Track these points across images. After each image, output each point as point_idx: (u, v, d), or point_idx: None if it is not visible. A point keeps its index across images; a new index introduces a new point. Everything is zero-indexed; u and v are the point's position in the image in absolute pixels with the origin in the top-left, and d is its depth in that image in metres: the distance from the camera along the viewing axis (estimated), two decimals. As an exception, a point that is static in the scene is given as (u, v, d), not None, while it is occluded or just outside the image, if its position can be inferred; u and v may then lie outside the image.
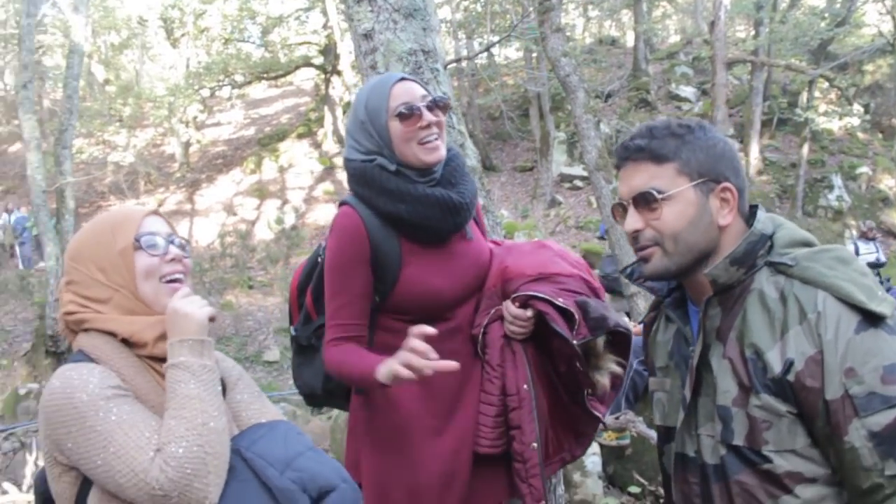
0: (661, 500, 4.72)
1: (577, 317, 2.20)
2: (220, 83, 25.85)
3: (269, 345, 14.60)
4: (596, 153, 8.02)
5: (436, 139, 2.20)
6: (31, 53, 12.00)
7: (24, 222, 20.95)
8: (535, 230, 17.97)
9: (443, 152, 2.23)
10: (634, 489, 4.90)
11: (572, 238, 19.05)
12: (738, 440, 1.63)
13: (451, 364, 1.97)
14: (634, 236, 1.73)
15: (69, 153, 13.90)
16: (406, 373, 1.96)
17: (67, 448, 1.56)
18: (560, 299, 2.22)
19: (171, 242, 1.81)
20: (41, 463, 1.71)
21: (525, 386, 2.26)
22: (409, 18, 2.93)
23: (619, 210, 1.79)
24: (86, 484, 1.61)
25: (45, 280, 13.95)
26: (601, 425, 2.59)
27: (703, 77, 25.39)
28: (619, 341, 2.31)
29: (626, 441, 5.16)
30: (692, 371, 1.73)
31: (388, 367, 2.02)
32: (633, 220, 1.72)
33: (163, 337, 1.71)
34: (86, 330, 1.74)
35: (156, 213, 1.87)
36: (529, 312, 2.25)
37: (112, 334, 1.71)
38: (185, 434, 1.54)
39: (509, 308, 2.27)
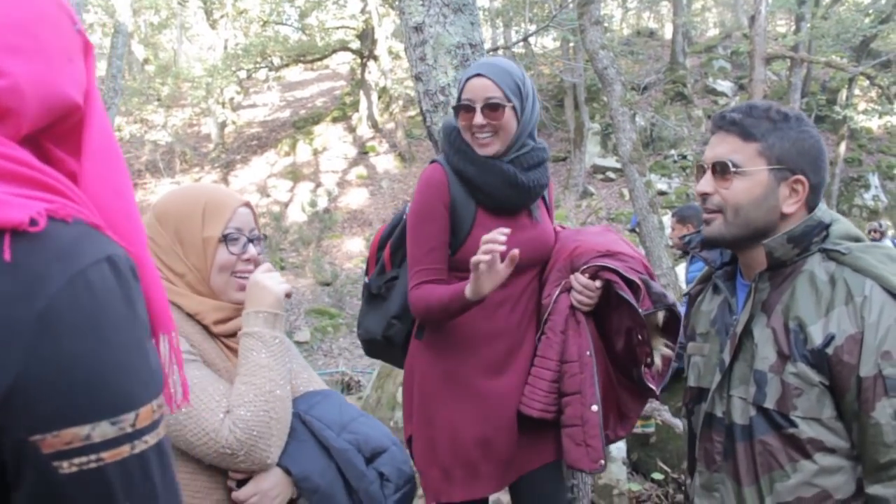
0: (683, 487, 4.81)
1: (642, 289, 2.40)
2: (258, 65, 25.98)
3: (300, 325, 14.79)
4: (630, 146, 8.08)
5: (486, 137, 2.44)
6: (77, 32, 12.19)
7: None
8: (566, 221, 18.00)
9: (493, 150, 2.45)
10: (658, 476, 4.98)
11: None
12: (769, 403, 1.77)
13: (514, 252, 2.20)
14: (703, 198, 1.88)
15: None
16: (484, 257, 2.17)
17: None
18: (626, 272, 2.41)
19: (252, 241, 1.91)
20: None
21: (588, 352, 2.44)
22: (458, 13, 3.06)
23: (700, 171, 1.92)
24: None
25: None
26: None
27: (740, 72, 25.16)
28: (669, 327, 2.49)
29: (651, 429, 5.24)
30: (734, 337, 1.87)
31: (472, 277, 2.26)
32: (706, 183, 1.87)
33: (223, 321, 1.84)
34: None
35: (247, 204, 1.95)
36: (598, 283, 2.44)
37: (178, 307, 1.83)
38: (253, 399, 1.67)
39: (579, 278, 2.47)
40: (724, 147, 1.86)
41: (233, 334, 1.87)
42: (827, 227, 1.82)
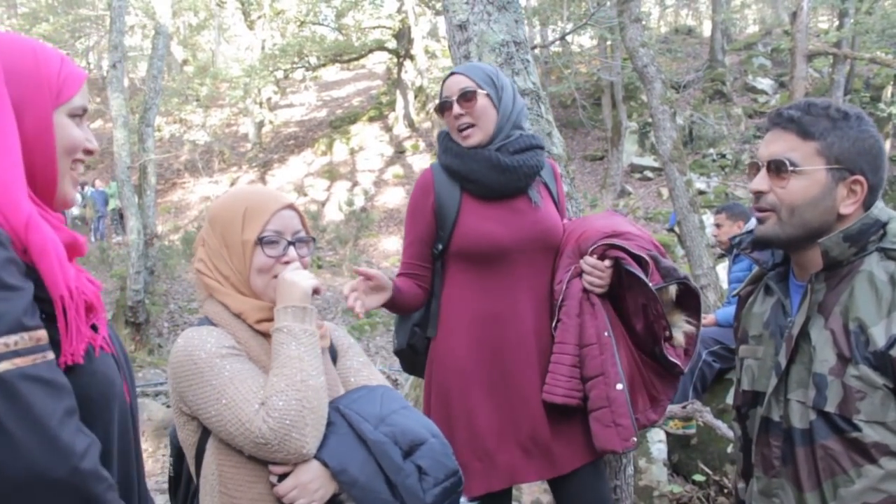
0: (725, 490, 4.75)
1: (650, 264, 2.43)
2: (295, 65, 26.19)
3: (338, 324, 14.87)
4: (671, 144, 8.00)
5: (467, 127, 2.57)
6: (120, 34, 12.43)
7: (102, 197, 21.75)
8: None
9: (475, 139, 2.57)
10: (699, 478, 4.93)
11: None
12: (830, 407, 1.72)
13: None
14: (757, 196, 1.85)
15: (152, 131, 14.37)
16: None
17: (189, 399, 1.74)
18: (634, 249, 2.45)
19: (293, 244, 1.91)
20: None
21: (606, 333, 2.47)
22: (503, 10, 3.05)
23: (754, 168, 1.89)
24: (205, 433, 1.79)
25: (125, 253, 14.50)
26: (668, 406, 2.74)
27: (781, 69, 24.81)
28: (689, 304, 2.53)
29: (693, 430, 5.19)
30: (790, 339, 1.83)
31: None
32: (761, 181, 1.84)
33: (265, 320, 1.86)
34: (211, 296, 1.91)
35: (291, 206, 1.95)
36: (607, 262, 2.48)
37: (225, 306, 1.88)
38: (285, 389, 1.68)
39: (588, 260, 2.51)
40: (781, 145, 1.83)
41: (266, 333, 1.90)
42: (884, 225, 1.78)
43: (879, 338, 1.67)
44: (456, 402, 2.58)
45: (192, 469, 1.86)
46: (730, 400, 5.15)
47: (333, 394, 1.87)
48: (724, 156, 21.60)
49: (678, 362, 2.52)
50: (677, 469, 5.23)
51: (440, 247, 2.64)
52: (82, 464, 1.21)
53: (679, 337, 2.50)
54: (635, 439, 2.42)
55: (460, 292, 2.63)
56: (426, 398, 2.72)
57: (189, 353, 1.76)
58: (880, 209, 1.81)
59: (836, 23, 22.40)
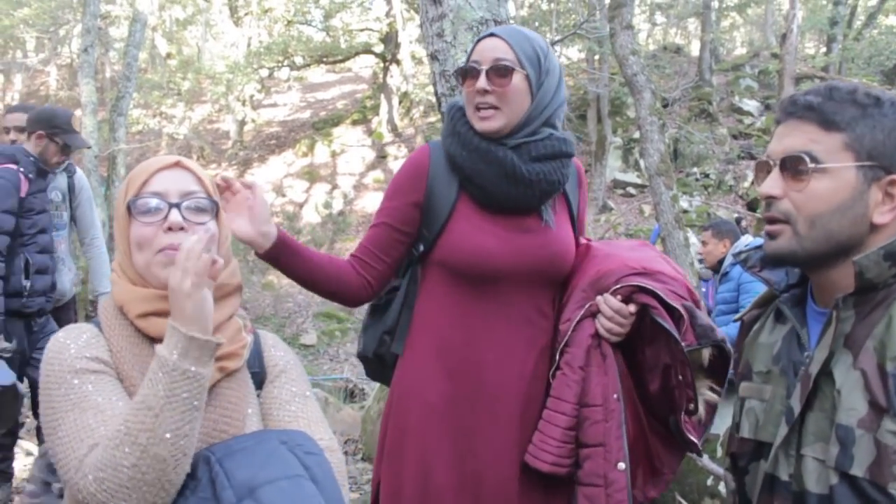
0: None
1: (685, 319, 1.94)
2: (280, 64, 25.92)
3: (308, 328, 14.52)
4: (658, 157, 7.74)
5: (490, 109, 2.04)
6: (94, 18, 12.04)
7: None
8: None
9: (494, 124, 2.05)
10: (676, 511, 4.64)
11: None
12: (858, 470, 1.34)
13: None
14: (768, 203, 1.50)
15: (124, 121, 13.97)
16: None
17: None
18: (668, 296, 1.98)
19: (178, 206, 1.51)
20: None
21: (615, 395, 1.98)
22: (483, -16, 2.71)
23: (763, 169, 1.54)
24: None
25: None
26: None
27: (768, 91, 24.78)
28: (715, 368, 2.05)
29: (671, 459, 4.91)
30: (807, 379, 1.46)
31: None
32: (773, 184, 1.49)
33: (151, 313, 1.48)
34: None
35: (178, 164, 1.57)
36: (633, 308, 2.00)
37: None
38: (118, 446, 1.27)
39: (609, 301, 2.01)
40: (799, 138, 1.46)
41: (158, 339, 1.48)
42: None
43: None
44: (411, 452, 2.11)
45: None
46: (714, 430, 4.87)
47: (235, 431, 1.47)
48: (707, 175, 21.50)
49: (696, 440, 2.03)
50: (654, 500, 4.93)
51: (421, 248, 2.16)
52: None
53: (701, 409, 2.03)
54: None
55: (438, 312, 2.14)
56: (382, 434, 2.25)
57: (48, 361, 1.40)
58: None
59: (824, 48, 22.46)
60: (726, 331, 4.84)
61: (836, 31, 20.68)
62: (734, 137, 23.42)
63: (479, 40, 2.09)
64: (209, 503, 1.33)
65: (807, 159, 1.43)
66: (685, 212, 18.70)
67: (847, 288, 1.45)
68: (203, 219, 1.54)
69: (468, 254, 2.07)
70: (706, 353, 2.01)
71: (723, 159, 22.21)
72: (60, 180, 4.54)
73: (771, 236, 1.52)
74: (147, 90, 25.60)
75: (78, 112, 12.04)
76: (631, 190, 21.85)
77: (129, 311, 1.48)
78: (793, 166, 1.46)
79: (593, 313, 2.05)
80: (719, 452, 4.49)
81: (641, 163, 9.34)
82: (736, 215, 17.62)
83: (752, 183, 20.66)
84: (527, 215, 2.12)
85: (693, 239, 11.03)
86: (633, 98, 8.17)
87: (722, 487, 4.25)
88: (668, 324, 1.93)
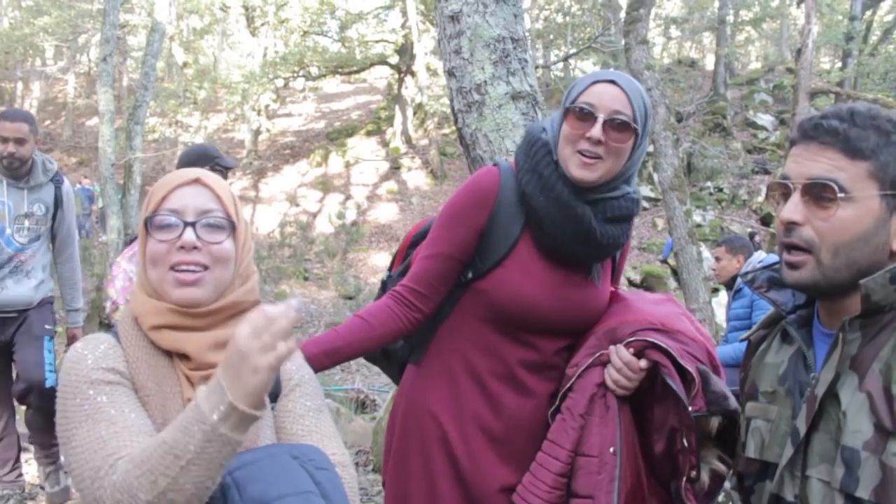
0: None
1: (697, 383, 1.86)
2: (295, 74, 26.07)
3: (317, 339, 14.56)
4: (671, 172, 7.74)
5: (594, 158, 1.91)
6: (113, 28, 12.16)
7: (88, 194, 21.50)
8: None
9: (594, 176, 1.92)
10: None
11: (634, 259, 18.66)
12: (863, 492, 1.34)
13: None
14: (788, 228, 1.47)
15: (141, 129, 14.08)
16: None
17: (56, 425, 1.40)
18: (681, 357, 1.89)
19: (193, 224, 1.51)
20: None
21: (612, 449, 1.90)
22: (501, 3, 2.73)
23: (779, 191, 1.52)
24: None
25: (105, 253, 14.15)
26: None
27: (782, 106, 24.74)
28: (729, 438, 1.96)
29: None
30: (813, 401, 1.46)
31: None
32: (795, 209, 1.45)
33: (160, 327, 1.49)
34: None
35: (197, 180, 1.56)
36: (644, 363, 1.91)
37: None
38: (138, 477, 1.25)
39: (620, 352, 1.93)
40: (823, 164, 1.44)
41: (181, 355, 1.51)
42: None
43: None
44: (419, 465, 2.09)
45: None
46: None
47: (248, 444, 1.46)
48: (721, 190, 21.46)
49: None
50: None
51: (469, 276, 2.06)
52: None
53: (704, 476, 1.94)
54: None
55: (464, 337, 2.08)
56: (387, 449, 2.22)
57: (66, 371, 1.40)
58: None
59: (839, 63, 22.41)
60: (735, 349, 4.81)
61: (852, 47, 20.64)
62: (748, 152, 23.38)
63: (594, 82, 1.96)
64: None
65: (835, 188, 1.41)
66: (698, 226, 18.64)
67: (854, 310, 1.45)
68: (219, 237, 1.53)
69: (513, 297, 2.00)
70: (715, 422, 1.94)
71: (737, 174, 22.16)
72: (46, 192, 4.22)
73: (793, 266, 1.49)
74: (163, 99, 25.81)
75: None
76: (644, 203, 21.82)
77: (143, 322, 1.49)
78: (818, 193, 1.43)
79: (603, 363, 1.98)
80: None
81: (655, 176, 9.42)
82: (749, 230, 17.57)
83: (766, 198, 20.61)
84: (577, 268, 2.05)
85: (706, 253, 11.01)
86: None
87: (733, 504, 4.21)
88: (677, 386, 1.86)
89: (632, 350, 1.93)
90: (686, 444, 1.87)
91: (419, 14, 22.82)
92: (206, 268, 1.51)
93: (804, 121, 1.52)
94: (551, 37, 22.29)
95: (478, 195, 2.03)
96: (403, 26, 25.79)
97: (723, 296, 9.76)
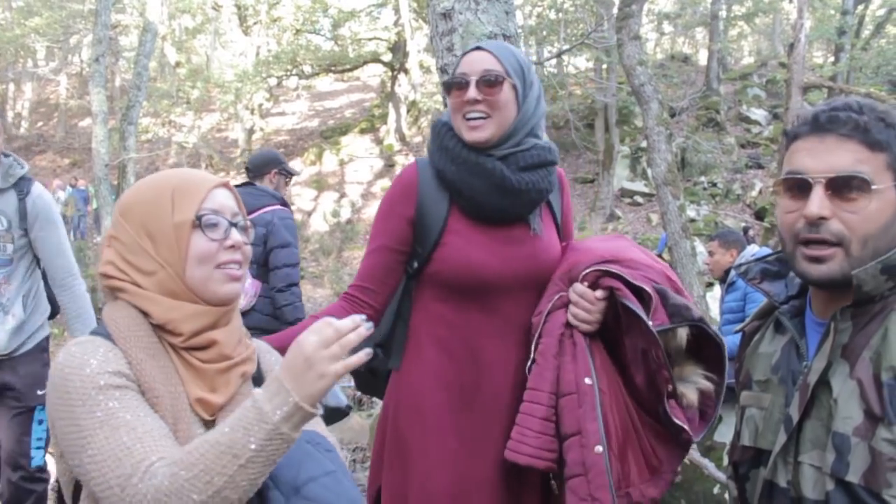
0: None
1: (653, 299, 1.93)
2: (288, 73, 26.07)
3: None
4: (665, 167, 7.77)
5: (479, 118, 2.05)
6: (105, 28, 12.15)
7: (83, 196, 21.48)
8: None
9: (484, 134, 2.05)
10: (683, 519, 4.65)
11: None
12: (853, 476, 1.38)
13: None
14: (814, 224, 1.47)
15: (134, 129, 14.08)
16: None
17: (56, 435, 1.39)
18: (634, 278, 1.97)
19: (235, 225, 1.56)
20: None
21: (587, 380, 1.95)
22: (492, 0, 2.76)
23: (793, 186, 1.52)
24: None
25: (100, 254, 14.12)
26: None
27: (775, 101, 24.80)
28: (710, 355, 2.04)
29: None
30: (805, 389, 1.50)
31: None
32: (822, 204, 1.45)
33: (200, 331, 1.51)
34: (118, 297, 1.54)
35: (225, 185, 1.61)
36: (600, 293, 1.99)
37: (146, 314, 1.50)
38: (190, 479, 1.28)
39: (576, 288, 2.02)
40: (846, 156, 1.45)
41: (204, 347, 1.52)
42: None
43: None
44: (413, 459, 2.14)
45: None
46: (718, 437, 4.88)
47: None
48: (715, 184, 21.50)
49: (685, 426, 1.98)
50: (659, 508, 4.94)
51: (415, 265, 2.17)
52: None
53: (690, 395, 1.99)
54: None
55: (434, 325, 2.16)
56: (379, 441, 2.27)
57: (64, 377, 1.38)
58: None
59: (832, 58, 22.47)
60: (729, 342, 4.86)
61: (844, 41, 20.69)
62: (742, 146, 23.43)
63: (465, 53, 2.13)
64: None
65: (868, 180, 1.42)
66: (692, 221, 18.69)
67: (845, 300, 1.48)
68: (248, 239, 1.60)
69: (462, 267, 2.09)
70: (682, 333, 1.99)
71: (730, 168, 22.21)
72: (5, 202, 3.38)
73: (818, 261, 1.48)
74: (156, 99, 25.77)
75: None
76: (638, 199, 21.85)
77: (180, 328, 1.49)
78: (845, 187, 1.44)
79: (565, 304, 2.05)
80: (725, 461, 4.50)
81: (649, 171, 9.46)
82: (743, 224, 17.62)
83: (760, 192, 20.64)
84: (515, 225, 2.15)
85: (700, 248, 11.04)
86: (641, 108, 8.21)
87: (727, 496, 4.27)
88: (633, 303, 1.92)
89: (586, 283, 2.01)
90: (656, 360, 1.93)
91: (412, 11, 22.83)
92: (241, 266, 1.57)
93: (817, 113, 1.52)
94: (544, 33, 22.28)
95: (401, 188, 2.17)
96: (396, 24, 25.80)
97: (717, 290, 9.80)
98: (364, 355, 1.37)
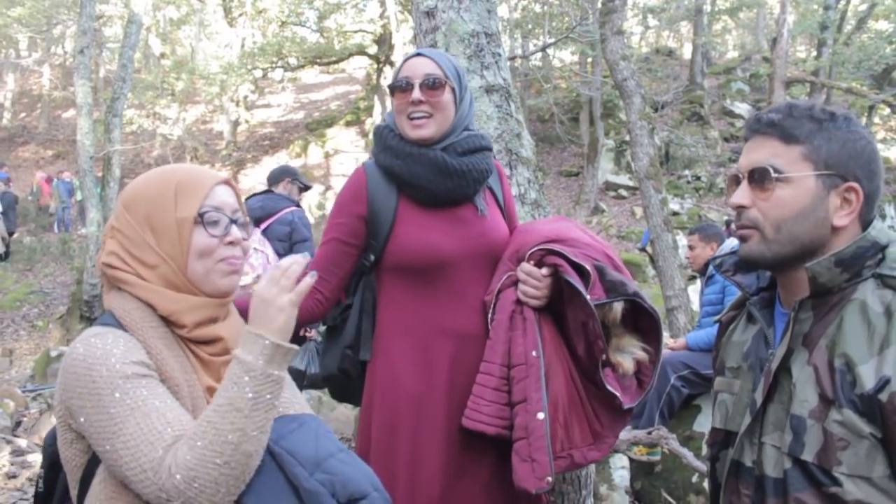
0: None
1: (592, 275, 2.13)
2: (274, 65, 25.94)
3: (301, 328, 14.59)
4: (647, 161, 7.84)
5: (422, 117, 2.26)
6: (90, 19, 12.09)
7: (67, 188, 21.37)
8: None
9: (428, 132, 2.27)
10: (661, 507, 4.74)
11: (613, 247, 18.79)
12: (808, 455, 1.49)
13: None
14: (738, 212, 1.64)
15: (119, 122, 13.98)
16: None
17: (80, 422, 1.45)
18: (575, 256, 2.17)
19: (235, 222, 1.65)
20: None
21: (534, 353, 2.16)
22: (475, -1, 2.82)
23: (734, 182, 1.68)
24: (96, 456, 1.50)
25: (85, 246, 14.09)
26: (623, 435, 2.41)
27: (759, 95, 24.96)
28: (647, 328, 2.25)
29: (657, 457, 5.00)
30: (768, 374, 1.60)
31: None
32: (742, 194, 1.62)
33: (203, 322, 1.60)
34: (120, 288, 1.61)
35: (227, 182, 1.69)
36: (545, 270, 2.21)
37: (151, 306, 1.58)
38: (207, 445, 1.39)
39: (523, 266, 2.24)
40: (763, 152, 1.61)
41: (210, 341, 1.62)
42: (883, 248, 1.54)
43: (868, 379, 1.42)
44: (403, 443, 2.25)
45: (73, 493, 1.56)
46: (697, 427, 4.97)
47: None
48: (698, 178, 21.64)
49: (617, 393, 2.18)
50: (639, 497, 5.03)
51: (371, 258, 2.34)
52: None
53: (626, 363, 2.20)
54: (550, 479, 2.06)
55: (399, 310, 2.32)
56: (363, 434, 2.38)
57: (88, 367, 1.44)
58: (879, 230, 1.56)
59: (815, 52, 22.61)
60: (708, 334, 4.97)
61: (827, 36, 20.83)
62: (725, 140, 23.57)
63: (406, 59, 2.34)
64: (277, 480, 1.48)
65: (771, 170, 1.57)
66: (676, 214, 18.83)
67: (807, 290, 1.58)
68: (247, 235, 1.69)
69: (418, 252, 2.26)
70: (618, 307, 2.21)
71: (714, 162, 22.34)
72: None
73: (743, 240, 1.64)
74: (141, 90, 25.60)
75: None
76: (623, 192, 21.96)
77: (183, 319, 1.57)
78: (759, 178, 1.59)
79: (514, 282, 2.25)
80: (704, 451, 4.59)
81: (633, 165, 9.57)
82: (726, 218, 17.74)
83: (727, 191, 20.72)
84: (462, 206, 2.33)
85: (682, 241, 11.14)
86: (623, 103, 8.28)
87: (706, 484, 4.35)
88: (573, 279, 2.11)
89: (532, 262, 2.22)
90: (593, 331, 2.12)
91: (397, 4, 22.76)
92: (240, 261, 1.67)
93: (749, 118, 1.71)
94: (529, 26, 22.29)
95: (352, 190, 2.36)
96: (382, 16, 25.71)
97: (700, 283, 9.90)
98: (310, 279, 1.55)
